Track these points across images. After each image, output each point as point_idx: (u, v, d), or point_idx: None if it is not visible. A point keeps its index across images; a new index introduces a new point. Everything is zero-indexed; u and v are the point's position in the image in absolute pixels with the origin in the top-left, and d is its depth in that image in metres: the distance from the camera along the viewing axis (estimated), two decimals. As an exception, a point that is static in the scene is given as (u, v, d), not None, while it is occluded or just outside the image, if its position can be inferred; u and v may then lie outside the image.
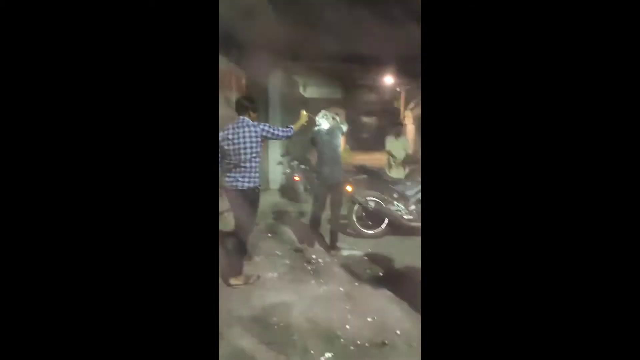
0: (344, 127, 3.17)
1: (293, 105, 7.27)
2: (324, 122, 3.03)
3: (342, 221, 3.59)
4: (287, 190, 5.49)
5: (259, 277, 2.56)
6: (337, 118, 3.15)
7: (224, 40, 3.70)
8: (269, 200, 5.25)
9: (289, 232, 3.78)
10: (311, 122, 2.76)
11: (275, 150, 6.02)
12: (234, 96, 4.43)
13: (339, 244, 3.20)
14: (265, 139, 2.43)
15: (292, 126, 2.54)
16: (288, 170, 5.54)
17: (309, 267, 2.83)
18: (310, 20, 4.65)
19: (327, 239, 3.23)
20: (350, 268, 2.81)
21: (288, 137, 2.54)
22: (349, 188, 3.68)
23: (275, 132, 2.47)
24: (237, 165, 2.37)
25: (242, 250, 2.48)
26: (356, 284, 2.53)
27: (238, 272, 2.46)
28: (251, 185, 2.40)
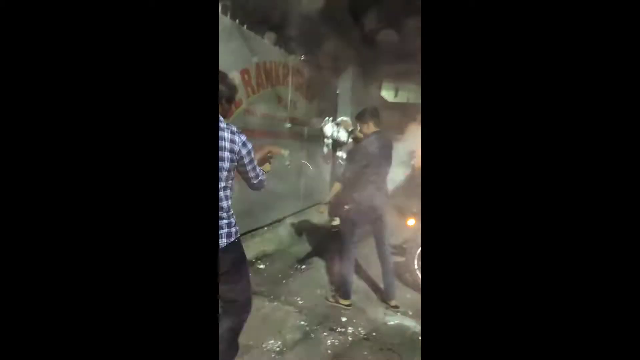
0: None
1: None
2: (341, 133, 2.22)
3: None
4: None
5: None
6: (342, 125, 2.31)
7: (275, 22, 3.06)
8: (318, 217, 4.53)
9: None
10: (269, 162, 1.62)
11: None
12: (289, 96, 3.78)
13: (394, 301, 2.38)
14: (237, 167, 1.31)
15: (262, 169, 1.45)
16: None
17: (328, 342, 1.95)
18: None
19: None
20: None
21: (258, 188, 1.44)
22: (411, 222, 2.76)
23: (254, 165, 1.36)
24: None
25: (233, 346, 1.47)
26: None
27: None
28: (228, 241, 1.31)
